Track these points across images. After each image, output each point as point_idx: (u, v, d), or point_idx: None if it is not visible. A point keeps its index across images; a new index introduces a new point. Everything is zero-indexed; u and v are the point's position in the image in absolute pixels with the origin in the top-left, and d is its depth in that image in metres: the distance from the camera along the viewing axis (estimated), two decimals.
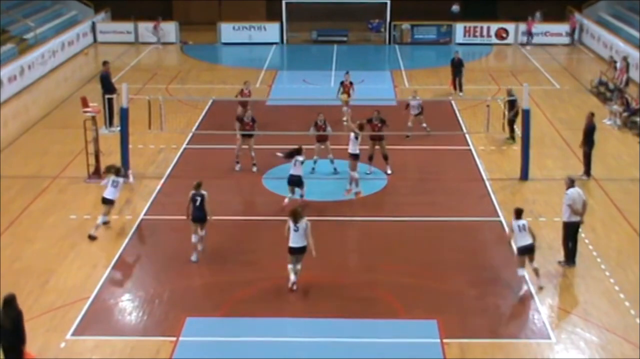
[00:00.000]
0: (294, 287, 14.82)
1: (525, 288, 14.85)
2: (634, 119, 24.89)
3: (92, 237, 17.18)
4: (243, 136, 20.83)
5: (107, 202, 17.40)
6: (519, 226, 14.70)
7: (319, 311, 14.32)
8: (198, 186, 16.01)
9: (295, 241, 14.65)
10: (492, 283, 15.41)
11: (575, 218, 15.70)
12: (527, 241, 14.66)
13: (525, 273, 14.83)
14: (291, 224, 14.65)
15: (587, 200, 15.99)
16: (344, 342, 13.40)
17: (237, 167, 21.11)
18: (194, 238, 16.12)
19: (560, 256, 16.22)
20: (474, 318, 14.12)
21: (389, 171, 20.88)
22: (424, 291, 15.21)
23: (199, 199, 15.89)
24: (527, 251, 14.72)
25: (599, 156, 22.38)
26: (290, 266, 14.83)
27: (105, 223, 17.59)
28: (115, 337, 13.57)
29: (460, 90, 29.18)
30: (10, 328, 11.82)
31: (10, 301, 11.88)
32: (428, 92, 29.70)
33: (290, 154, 18.60)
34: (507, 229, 16.21)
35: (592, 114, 20.70)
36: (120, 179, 17.45)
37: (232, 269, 16.01)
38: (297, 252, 14.75)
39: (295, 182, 18.50)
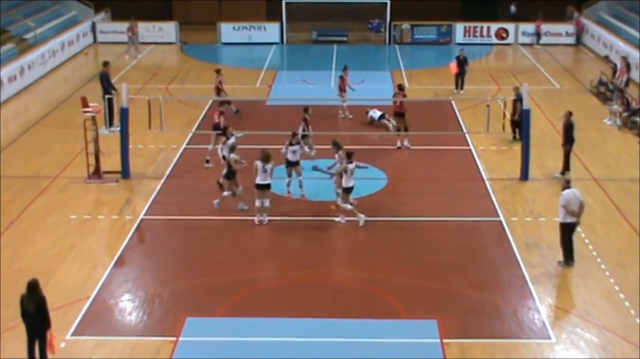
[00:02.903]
0: (263, 221, 17.61)
1: (344, 220, 17.72)
2: (634, 119, 24.89)
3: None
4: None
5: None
6: (351, 170, 17.36)
7: (319, 311, 14.32)
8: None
9: (262, 178, 17.54)
10: (492, 283, 15.42)
11: (571, 219, 15.66)
12: (352, 183, 17.52)
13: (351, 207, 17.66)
14: (260, 164, 17.43)
15: (584, 201, 15.94)
16: (344, 342, 13.40)
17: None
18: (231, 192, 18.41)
19: (560, 256, 16.22)
20: (474, 318, 14.12)
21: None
22: (424, 291, 15.22)
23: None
24: (351, 190, 17.55)
25: (599, 156, 22.41)
26: (257, 202, 17.65)
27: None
28: (115, 337, 13.57)
29: (461, 88, 29.27)
30: (34, 312, 12.11)
31: (34, 286, 12.17)
32: (428, 92, 29.73)
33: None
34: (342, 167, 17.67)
35: (570, 113, 20.69)
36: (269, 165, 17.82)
37: (232, 269, 16.02)
38: (264, 188, 17.66)
39: (292, 165, 19.31)
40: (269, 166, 17.60)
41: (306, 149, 20.30)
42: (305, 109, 21.80)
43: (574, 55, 37.71)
